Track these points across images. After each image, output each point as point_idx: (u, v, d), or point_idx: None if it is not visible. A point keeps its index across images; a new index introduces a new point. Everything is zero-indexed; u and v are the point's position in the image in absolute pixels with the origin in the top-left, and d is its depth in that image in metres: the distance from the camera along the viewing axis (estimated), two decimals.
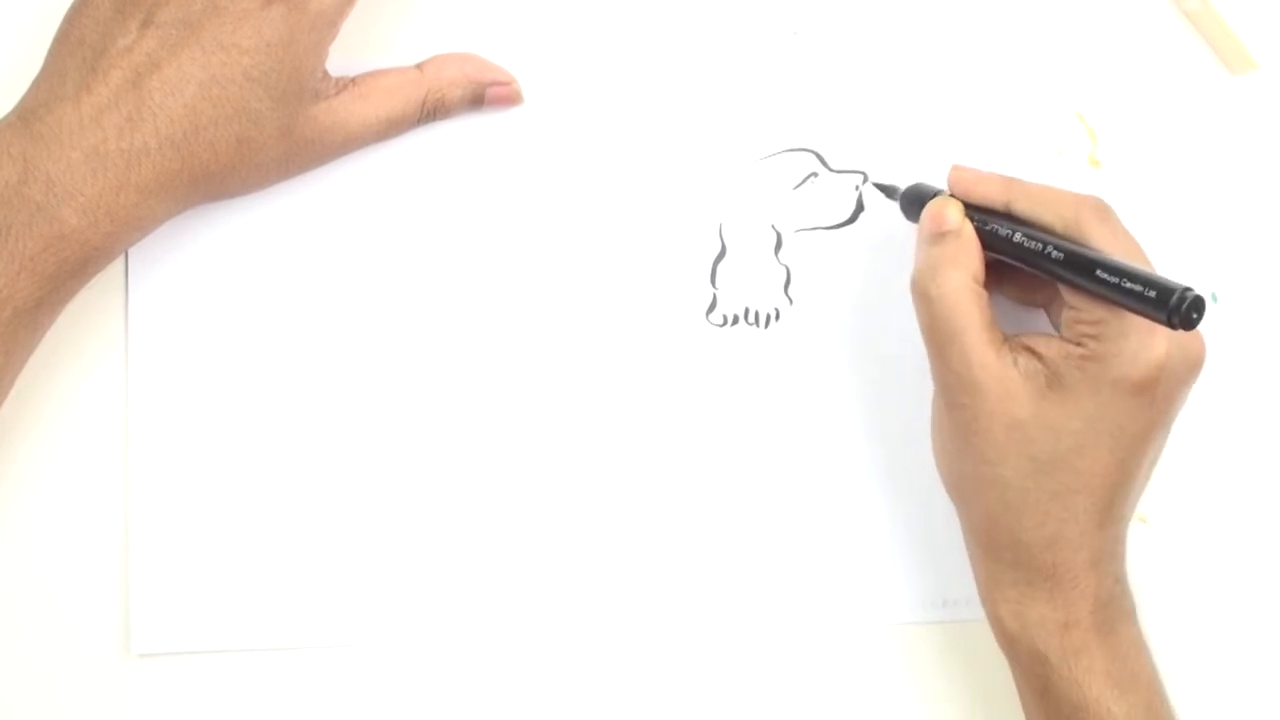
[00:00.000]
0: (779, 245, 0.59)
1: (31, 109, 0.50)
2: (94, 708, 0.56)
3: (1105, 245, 0.51)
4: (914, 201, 0.56)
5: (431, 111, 0.56)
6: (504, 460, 0.57)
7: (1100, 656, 0.51)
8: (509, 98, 0.57)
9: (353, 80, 0.54)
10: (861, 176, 0.59)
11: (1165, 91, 0.60)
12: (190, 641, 0.56)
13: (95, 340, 0.56)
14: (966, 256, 0.52)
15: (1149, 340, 0.50)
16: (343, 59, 0.54)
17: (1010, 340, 0.52)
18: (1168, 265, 0.60)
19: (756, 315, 0.58)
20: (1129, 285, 0.48)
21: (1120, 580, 0.53)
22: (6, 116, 0.50)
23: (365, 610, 0.57)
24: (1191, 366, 0.52)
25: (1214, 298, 0.60)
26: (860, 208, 0.59)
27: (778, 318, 0.59)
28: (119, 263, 0.55)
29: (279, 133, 0.52)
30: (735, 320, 0.58)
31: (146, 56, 0.50)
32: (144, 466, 0.56)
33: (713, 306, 0.58)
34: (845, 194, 0.59)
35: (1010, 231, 0.52)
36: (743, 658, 0.58)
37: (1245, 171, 0.60)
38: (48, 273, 0.49)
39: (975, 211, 0.53)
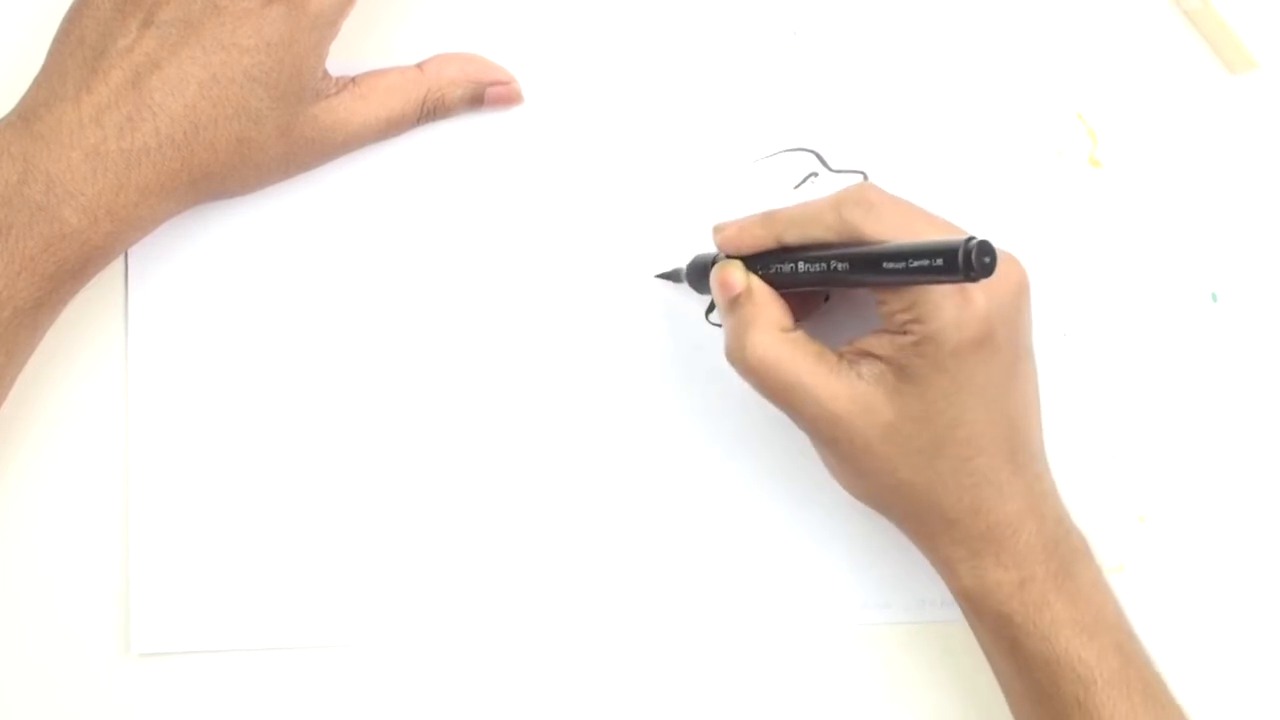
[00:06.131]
0: None
1: (32, 109, 0.50)
2: (94, 708, 0.56)
3: (878, 230, 0.50)
4: (699, 274, 0.55)
5: (431, 111, 0.56)
6: (503, 460, 0.57)
7: (1062, 606, 0.51)
8: (509, 97, 0.57)
9: (353, 80, 0.54)
10: (861, 177, 0.59)
11: (1165, 91, 0.60)
12: (190, 641, 0.56)
13: (95, 340, 0.56)
14: (765, 311, 0.52)
15: (964, 299, 0.49)
16: (343, 59, 0.54)
17: (845, 355, 0.51)
18: (1167, 265, 0.60)
19: None
20: (915, 264, 0.47)
21: (1063, 520, 0.53)
22: (7, 116, 0.50)
23: (365, 610, 0.57)
24: (1018, 292, 0.51)
25: (1214, 298, 0.60)
26: None
27: None
28: (119, 263, 0.55)
29: (279, 132, 0.52)
30: None
31: (146, 56, 0.50)
32: (144, 466, 0.56)
33: (713, 307, 0.58)
34: None
35: (792, 266, 0.51)
36: (743, 655, 0.58)
37: (1245, 171, 0.60)
38: (48, 273, 0.49)
39: (755, 260, 0.53)
